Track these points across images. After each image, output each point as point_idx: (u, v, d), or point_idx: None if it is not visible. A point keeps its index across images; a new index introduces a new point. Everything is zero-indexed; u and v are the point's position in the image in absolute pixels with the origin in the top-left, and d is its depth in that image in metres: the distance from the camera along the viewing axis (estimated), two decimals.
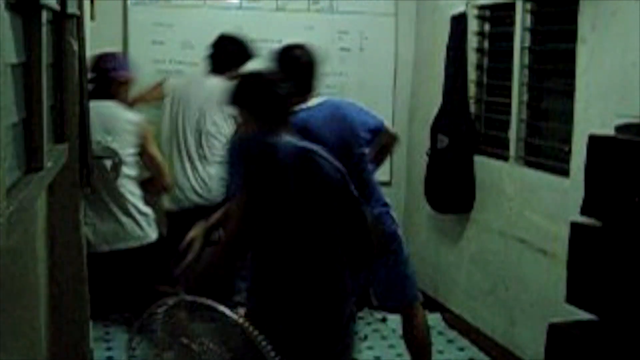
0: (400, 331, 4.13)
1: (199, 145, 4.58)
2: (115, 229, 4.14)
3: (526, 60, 4.35)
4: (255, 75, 3.10)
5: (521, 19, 4.34)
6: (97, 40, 4.79)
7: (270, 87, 2.89)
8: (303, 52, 3.61)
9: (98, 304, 3.66)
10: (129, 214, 4.16)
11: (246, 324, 2.46)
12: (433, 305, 5.15)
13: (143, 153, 4.25)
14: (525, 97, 4.38)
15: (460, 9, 4.91)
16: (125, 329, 4.88)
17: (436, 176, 5.06)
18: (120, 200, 4.14)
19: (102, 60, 4.27)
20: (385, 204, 3.82)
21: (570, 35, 3.83)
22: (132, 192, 4.18)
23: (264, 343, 2.42)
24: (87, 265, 3.23)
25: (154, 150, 4.32)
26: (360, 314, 5.34)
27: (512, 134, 4.46)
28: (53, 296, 3.10)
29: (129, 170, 4.17)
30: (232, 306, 2.80)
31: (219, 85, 4.42)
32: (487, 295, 4.71)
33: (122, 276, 4.24)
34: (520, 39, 4.35)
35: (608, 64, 3.56)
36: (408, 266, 3.90)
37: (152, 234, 4.25)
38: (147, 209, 4.26)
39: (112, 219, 4.14)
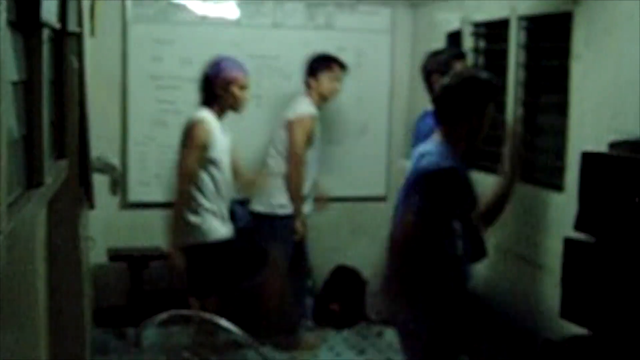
0: (396, 345, 4.14)
1: None
2: None
3: (521, 77, 4.38)
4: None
5: (516, 35, 4.37)
6: (97, 56, 4.84)
7: None
8: None
9: None
10: None
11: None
12: None
13: None
14: (519, 113, 4.41)
15: (455, 26, 4.95)
16: (123, 342, 4.91)
17: None
18: None
19: None
20: None
21: (564, 52, 3.87)
22: None
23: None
24: None
25: None
26: (356, 328, 5.37)
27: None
28: (52, 309, 3.12)
29: None
30: None
31: None
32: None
33: None
34: (514, 55, 4.38)
35: (602, 81, 3.59)
36: None
37: None
38: None
39: None
